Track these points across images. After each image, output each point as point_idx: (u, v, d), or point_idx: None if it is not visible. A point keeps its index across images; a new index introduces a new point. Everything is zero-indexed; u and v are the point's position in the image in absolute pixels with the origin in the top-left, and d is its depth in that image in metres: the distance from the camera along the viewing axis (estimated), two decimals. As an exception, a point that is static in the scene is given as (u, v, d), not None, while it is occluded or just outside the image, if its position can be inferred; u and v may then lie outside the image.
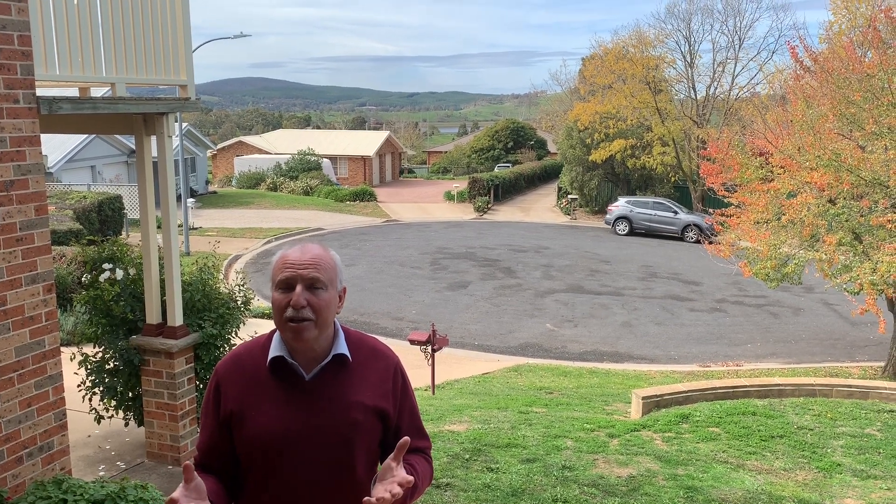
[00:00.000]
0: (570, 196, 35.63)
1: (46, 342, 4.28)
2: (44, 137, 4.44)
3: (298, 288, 2.01)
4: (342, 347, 2.13)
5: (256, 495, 2.13)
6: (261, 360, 2.12)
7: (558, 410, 8.69)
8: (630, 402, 8.76)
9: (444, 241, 26.32)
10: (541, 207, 38.46)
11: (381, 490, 1.93)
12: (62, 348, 4.56)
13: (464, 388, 10.97)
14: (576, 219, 34.40)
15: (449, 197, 39.74)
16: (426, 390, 10.31)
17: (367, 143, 50.99)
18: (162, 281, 5.66)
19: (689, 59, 33.66)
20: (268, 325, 13.71)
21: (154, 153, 5.38)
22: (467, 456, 6.23)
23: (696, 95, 33.86)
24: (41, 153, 4.20)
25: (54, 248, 11.83)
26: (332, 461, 2.08)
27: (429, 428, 7.01)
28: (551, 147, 60.69)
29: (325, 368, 2.10)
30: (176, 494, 1.86)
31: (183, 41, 5.46)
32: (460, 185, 41.08)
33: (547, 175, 51.61)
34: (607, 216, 30.56)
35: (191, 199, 26.75)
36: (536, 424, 7.55)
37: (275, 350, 2.10)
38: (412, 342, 10.21)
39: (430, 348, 10.06)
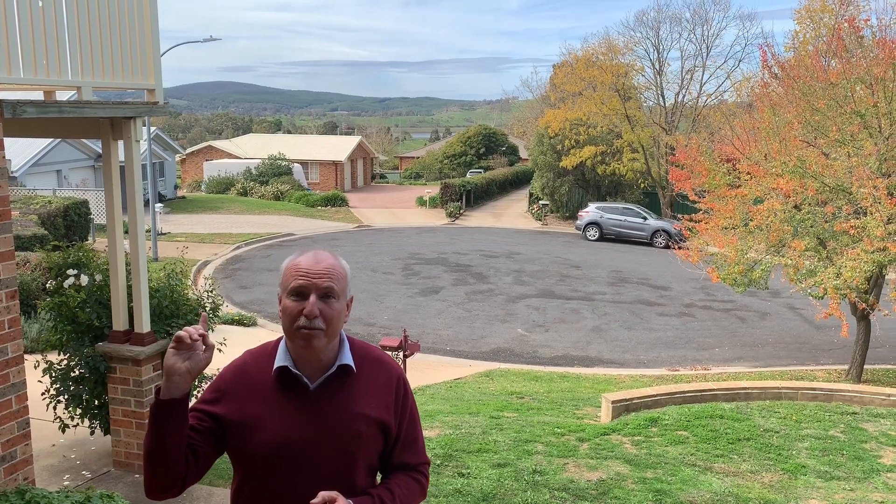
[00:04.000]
0: (541, 202, 35.85)
1: (9, 350, 4.20)
2: (8, 141, 4.36)
3: (312, 297, 2.01)
4: (347, 358, 2.12)
5: (254, 502, 2.13)
6: (266, 369, 2.11)
7: (529, 415, 8.72)
8: (600, 407, 8.82)
9: (417, 247, 26.31)
10: (512, 213, 38.63)
11: None
12: (26, 356, 4.48)
13: (435, 393, 10.96)
14: (547, 224, 34.62)
15: (421, 202, 39.75)
16: (397, 396, 10.27)
17: (338, 148, 50.83)
18: (129, 287, 5.59)
19: (657, 67, 34.11)
20: (237, 332, 13.59)
21: (121, 157, 5.31)
22: (438, 461, 6.23)
23: (664, 102, 34.32)
24: (4, 157, 4.13)
25: (18, 254, 11.62)
26: (333, 471, 2.07)
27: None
28: (523, 153, 61.01)
29: (330, 378, 2.10)
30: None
31: (151, 44, 5.40)
32: (432, 190, 41.11)
33: (518, 181, 51.86)
34: (578, 222, 30.79)
35: (159, 205, 26.45)
36: (507, 429, 7.57)
37: (280, 360, 2.09)
38: (384, 348, 10.18)
39: (401, 354, 10.04)
